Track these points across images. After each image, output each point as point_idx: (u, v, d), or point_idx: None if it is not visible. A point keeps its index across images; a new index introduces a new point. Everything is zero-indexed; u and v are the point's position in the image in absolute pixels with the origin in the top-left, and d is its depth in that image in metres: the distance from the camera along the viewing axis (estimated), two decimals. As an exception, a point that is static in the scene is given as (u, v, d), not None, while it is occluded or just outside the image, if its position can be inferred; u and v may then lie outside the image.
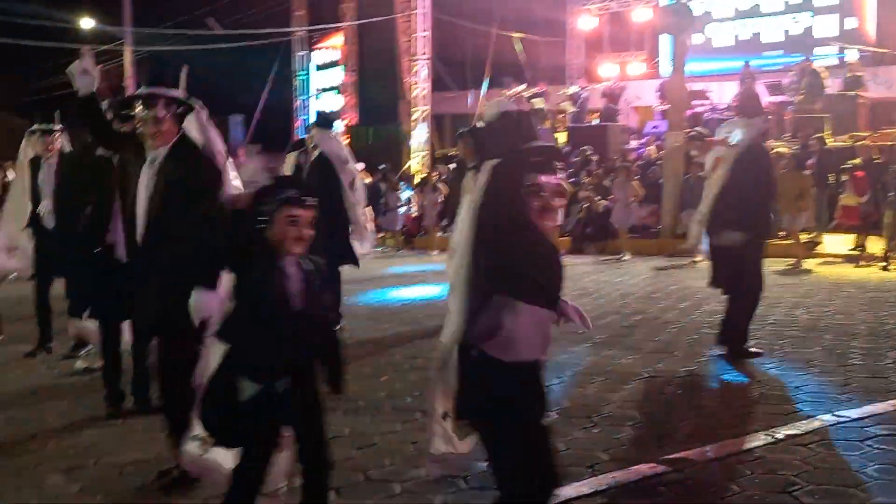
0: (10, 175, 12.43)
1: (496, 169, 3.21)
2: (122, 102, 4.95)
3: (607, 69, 26.37)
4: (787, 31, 23.37)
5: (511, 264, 3.16)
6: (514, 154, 3.19)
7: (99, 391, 6.21)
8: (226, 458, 3.53)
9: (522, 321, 3.15)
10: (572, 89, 23.99)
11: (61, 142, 7.88)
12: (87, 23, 28.27)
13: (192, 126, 4.68)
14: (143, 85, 4.80)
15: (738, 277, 7.30)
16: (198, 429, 3.53)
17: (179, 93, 4.68)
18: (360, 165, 21.20)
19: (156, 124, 4.54)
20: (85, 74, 4.91)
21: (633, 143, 22.27)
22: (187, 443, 3.59)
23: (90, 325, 6.46)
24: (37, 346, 8.16)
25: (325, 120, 9.45)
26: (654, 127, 21.93)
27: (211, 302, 4.41)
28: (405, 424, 5.63)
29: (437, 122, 26.93)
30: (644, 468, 4.72)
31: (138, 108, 4.61)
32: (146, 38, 27.89)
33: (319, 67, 29.51)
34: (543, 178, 3.18)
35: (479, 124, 3.77)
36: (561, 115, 23.77)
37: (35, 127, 7.96)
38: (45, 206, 7.73)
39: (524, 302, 3.15)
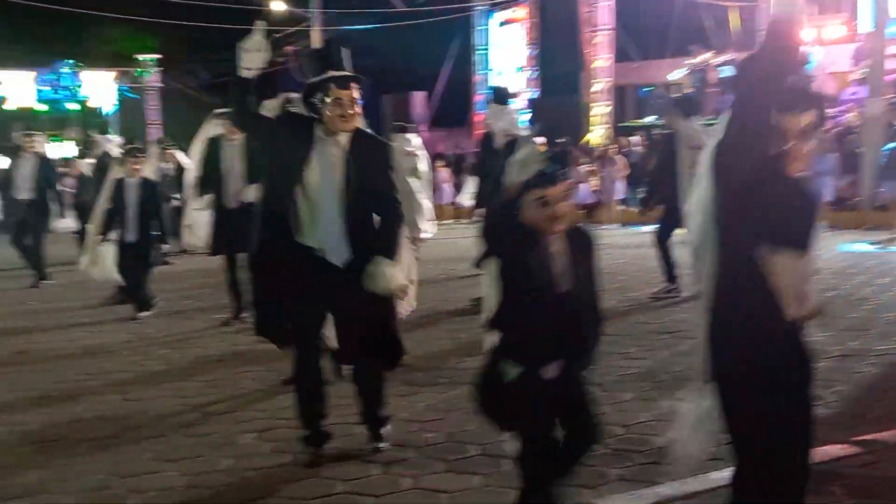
0: (182, 158, 13.16)
1: (738, 105, 2.90)
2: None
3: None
4: None
5: (762, 210, 2.86)
6: (759, 89, 2.83)
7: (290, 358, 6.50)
8: None
9: (782, 275, 2.88)
10: (762, 56, 22.94)
11: None
12: (277, 6, 29.39)
13: None
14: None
15: None
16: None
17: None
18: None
19: (354, 107, 4.49)
20: (253, 52, 4.55)
21: (829, 112, 21.15)
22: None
23: None
24: (232, 315, 8.65)
25: (499, 95, 9.37)
26: (853, 94, 20.76)
27: (397, 275, 4.54)
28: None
29: (620, 94, 26.43)
30: (834, 449, 4.51)
31: (332, 90, 4.46)
32: (331, 17, 28.78)
33: (500, 42, 29.48)
34: (788, 118, 2.88)
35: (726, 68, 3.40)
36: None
37: (218, 110, 8.36)
38: (246, 190, 8.09)
39: (780, 250, 2.86)
